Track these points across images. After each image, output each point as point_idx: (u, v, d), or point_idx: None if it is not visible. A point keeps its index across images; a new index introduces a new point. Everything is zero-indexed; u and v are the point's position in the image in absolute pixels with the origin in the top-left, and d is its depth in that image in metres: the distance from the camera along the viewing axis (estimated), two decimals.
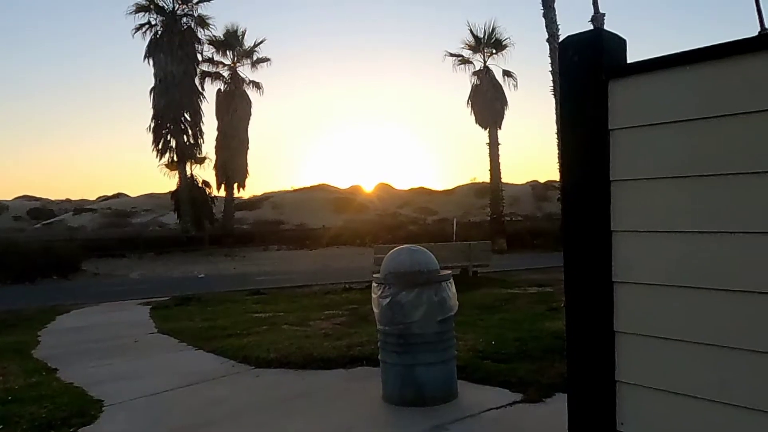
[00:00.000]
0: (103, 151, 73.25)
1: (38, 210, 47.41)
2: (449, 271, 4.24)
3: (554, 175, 33.36)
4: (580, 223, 1.94)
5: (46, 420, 3.97)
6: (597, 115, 1.86)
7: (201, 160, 30.03)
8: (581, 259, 1.95)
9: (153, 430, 3.84)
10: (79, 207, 47.40)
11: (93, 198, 52.85)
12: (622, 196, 1.84)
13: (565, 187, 2.01)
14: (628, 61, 1.89)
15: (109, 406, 4.33)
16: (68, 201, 51.63)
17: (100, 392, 4.66)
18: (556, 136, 24.51)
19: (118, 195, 52.67)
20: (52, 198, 52.70)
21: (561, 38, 1.99)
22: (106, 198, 52.04)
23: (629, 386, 1.86)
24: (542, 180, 49.14)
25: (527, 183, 50.28)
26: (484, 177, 29.49)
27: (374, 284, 4.08)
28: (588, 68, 1.87)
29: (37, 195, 53.87)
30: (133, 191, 54.88)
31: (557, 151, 24.63)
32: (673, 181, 1.73)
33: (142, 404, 4.38)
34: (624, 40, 1.91)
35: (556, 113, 24.17)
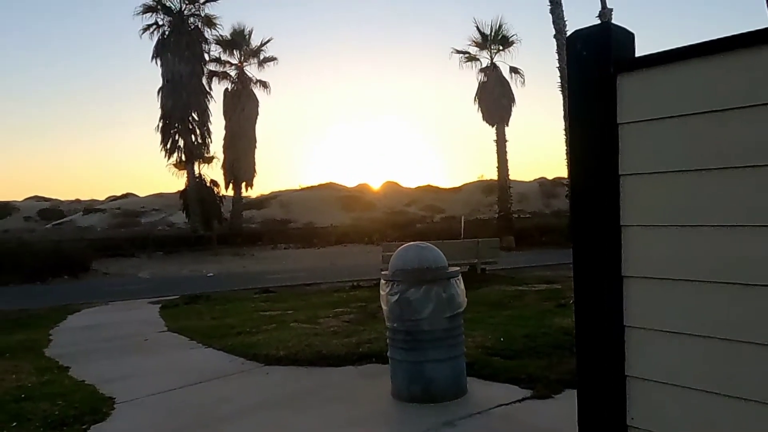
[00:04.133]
0: (112, 152, 73.61)
1: (48, 210, 47.71)
2: (457, 268, 4.24)
3: (562, 171, 33.25)
4: (590, 218, 1.94)
5: (59, 417, 4.01)
6: (606, 109, 1.85)
7: (209, 160, 30.14)
8: (590, 254, 1.94)
9: (164, 427, 3.87)
10: (89, 207, 47.67)
11: (102, 198, 53.10)
12: (632, 191, 1.83)
13: (573, 181, 2.00)
14: (637, 54, 1.88)
15: (121, 403, 4.37)
16: (78, 201, 51.91)
17: (112, 390, 4.70)
18: (563, 132, 24.37)
19: (127, 195, 52.92)
20: (62, 198, 52.97)
21: (569, 34, 1.98)
22: (115, 198, 52.28)
23: (639, 381, 1.85)
24: (550, 177, 48.95)
25: (535, 180, 50.09)
26: (492, 174, 29.35)
27: (383, 281, 4.09)
28: (596, 62, 1.86)
29: (47, 195, 54.21)
30: (142, 191, 55.15)
31: (565, 148, 24.50)
32: (682, 175, 1.72)
33: (153, 401, 4.42)
34: (632, 34, 1.90)
35: (564, 110, 24.04)
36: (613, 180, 1.85)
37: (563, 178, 31.97)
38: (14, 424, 3.94)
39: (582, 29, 1.91)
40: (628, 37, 1.89)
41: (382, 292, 4.09)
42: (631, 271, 1.84)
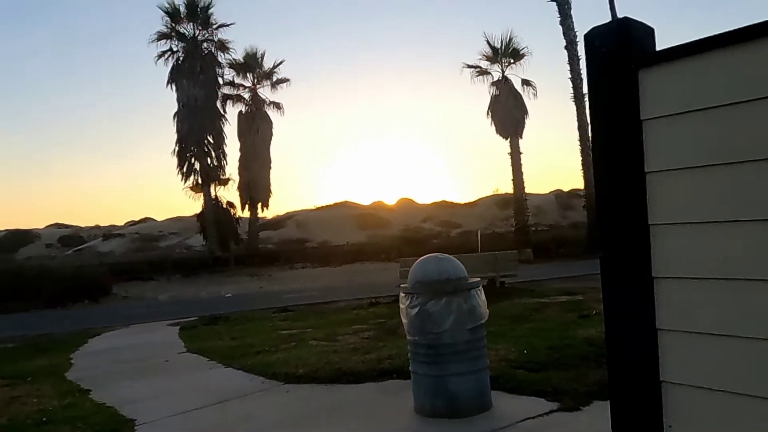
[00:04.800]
0: (130, 177, 74.56)
1: (69, 237, 48.31)
2: (478, 279, 4.16)
3: (578, 183, 32.92)
4: (616, 218, 1.88)
5: None
6: (628, 106, 1.80)
7: (225, 182, 30.41)
8: (618, 255, 1.88)
9: None
10: (108, 233, 48.19)
11: (121, 223, 53.64)
12: (659, 188, 1.77)
13: (598, 182, 1.94)
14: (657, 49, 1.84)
15: (141, 425, 4.34)
16: (97, 227, 52.49)
17: (132, 411, 4.68)
18: (578, 143, 24.26)
19: (145, 219, 53.42)
20: (82, 225, 53.57)
21: (586, 32, 1.94)
22: (134, 223, 52.79)
23: (675, 386, 1.77)
24: (566, 189, 48.46)
25: (551, 192, 49.64)
26: (507, 188, 29.24)
27: (402, 294, 4.03)
28: (616, 58, 1.82)
29: (68, 222, 54.84)
30: (160, 215, 55.55)
31: (581, 159, 24.35)
32: (712, 169, 1.66)
33: (174, 422, 4.38)
34: (652, 29, 1.86)
35: (578, 120, 23.96)
36: (638, 178, 1.80)
37: (579, 190, 31.64)
38: None
39: (600, 25, 1.87)
40: (647, 32, 1.84)
41: (401, 306, 4.03)
42: (661, 271, 1.78)
